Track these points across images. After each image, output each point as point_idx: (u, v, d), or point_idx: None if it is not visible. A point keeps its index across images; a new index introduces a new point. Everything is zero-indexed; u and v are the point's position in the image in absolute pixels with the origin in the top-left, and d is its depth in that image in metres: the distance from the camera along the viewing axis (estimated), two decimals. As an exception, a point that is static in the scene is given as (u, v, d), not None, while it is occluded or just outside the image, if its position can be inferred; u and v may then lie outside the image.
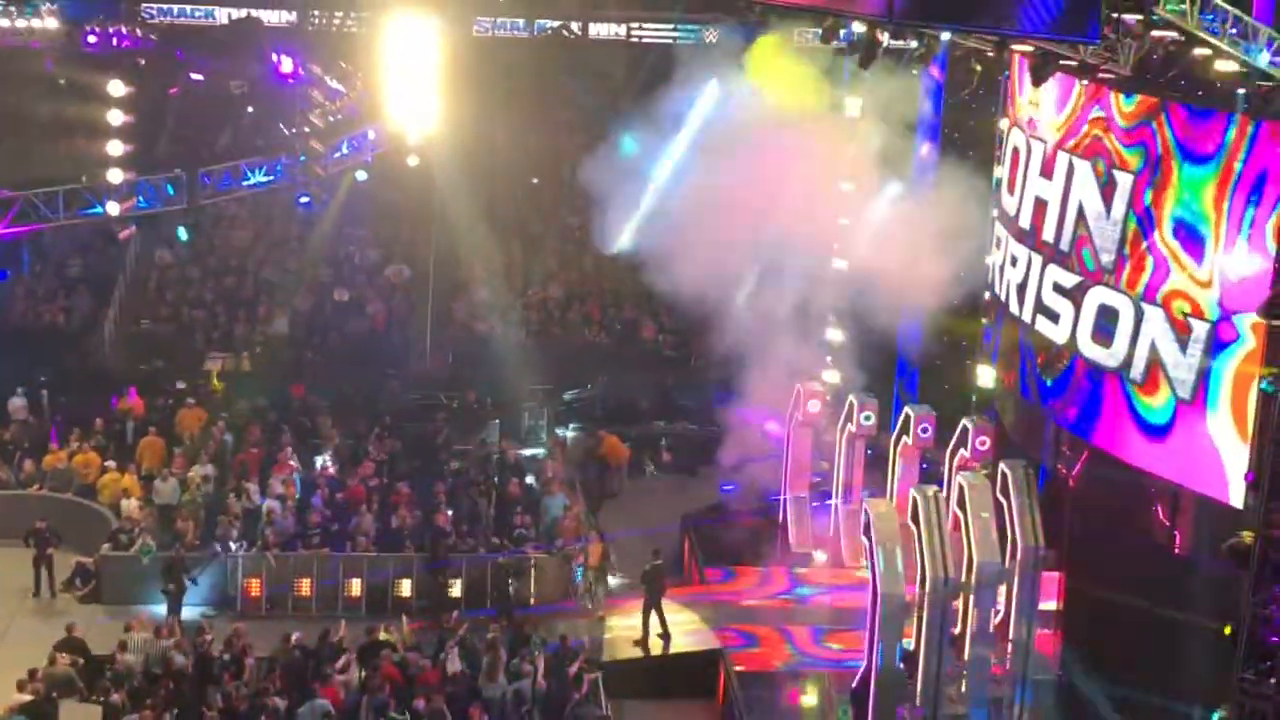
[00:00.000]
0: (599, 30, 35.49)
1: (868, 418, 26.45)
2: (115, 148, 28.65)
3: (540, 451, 30.69)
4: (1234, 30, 17.84)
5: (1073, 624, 23.14)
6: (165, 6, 34.43)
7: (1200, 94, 19.54)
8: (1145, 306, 20.41)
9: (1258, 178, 18.68)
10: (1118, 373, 20.99)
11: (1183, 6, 17.66)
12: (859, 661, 21.63)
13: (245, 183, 29.47)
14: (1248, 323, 18.95)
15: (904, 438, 25.60)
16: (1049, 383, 22.78)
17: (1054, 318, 22.28)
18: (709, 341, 29.09)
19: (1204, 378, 19.65)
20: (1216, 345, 19.46)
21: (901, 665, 21.18)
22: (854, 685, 21.67)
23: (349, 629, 22.98)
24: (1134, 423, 20.82)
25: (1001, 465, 22.32)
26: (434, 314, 34.01)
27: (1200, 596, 20.27)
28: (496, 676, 21.82)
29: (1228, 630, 17.43)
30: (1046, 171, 22.54)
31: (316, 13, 33.50)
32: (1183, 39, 18.31)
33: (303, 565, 25.55)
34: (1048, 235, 22.40)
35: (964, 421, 24.55)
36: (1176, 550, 22.10)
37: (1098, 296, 21.31)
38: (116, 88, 29.28)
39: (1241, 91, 18.76)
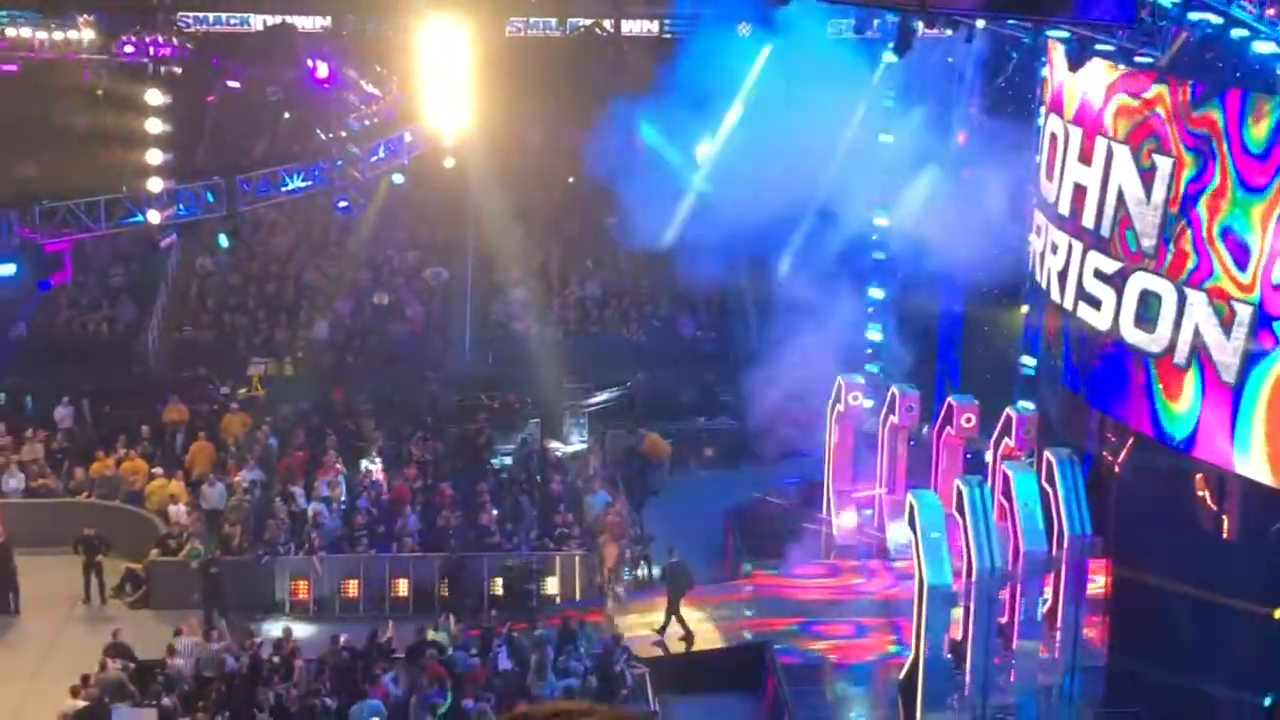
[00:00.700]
0: (631, 27, 35.47)
1: (910, 409, 26.38)
2: (154, 156, 28.80)
3: (581, 449, 30.75)
4: (1271, 11, 17.74)
5: (1120, 611, 23.04)
6: (200, 15, 34.58)
7: (1239, 75, 19.42)
8: (1188, 290, 20.30)
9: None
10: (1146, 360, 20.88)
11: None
12: (906, 652, 21.59)
13: (284, 188, 29.56)
14: None
15: (947, 428, 25.52)
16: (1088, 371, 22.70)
17: (1096, 304, 22.18)
18: (747, 334, 29.17)
19: (1248, 363, 19.53)
20: (1257, 347, 19.31)
21: (949, 655, 21.14)
22: (901, 676, 21.64)
23: (397, 629, 23.08)
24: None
25: (1046, 453, 22.25)
26: (473, 315, 34.09)
27: (1248, 581, 20.16)
28: (545, 674, 21.88)
29: (1277, 614, 17.33)
30: (1085, 158, 22.43)
31: (351, 17, 33.59)
32: (1221, 20, 18.21)
33: (349, 567, 25.69)
34: (1087, 221, 22.31)
35: (1007, 410, 24.46)
36: (1224, 535, 21.98)
37: (1140, 282, 21.21)
38: (154, 97, 29.45)
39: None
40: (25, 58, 32.91)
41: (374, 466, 28.46)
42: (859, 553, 26.93)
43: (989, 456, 24.46)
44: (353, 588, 25.61)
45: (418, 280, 36.13)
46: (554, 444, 30.16)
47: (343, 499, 27.08)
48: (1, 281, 25.98)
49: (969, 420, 25.22)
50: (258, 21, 34.64)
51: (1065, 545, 21.47)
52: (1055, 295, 23.51)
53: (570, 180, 38.46)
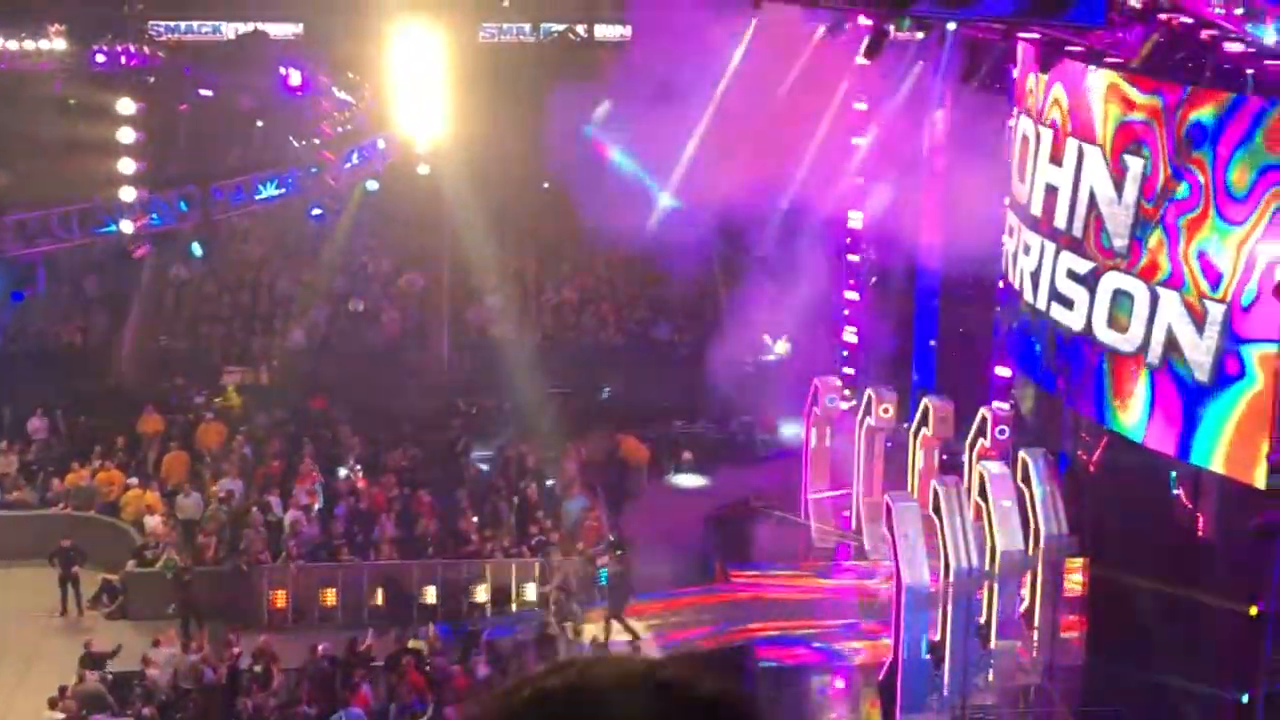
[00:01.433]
0: (605, 32, 35.51)
1: (886, 410, 26.44)
2: (127, 166, 28.76)
3: (559, 454, 30.71)
4: (1241, 10, 17.83)
5: (1097, 609, 23.12)
6: (172, 24, 34.55)
7: (1208, 75, 19.52)
8: (1161, 290, 20.39)
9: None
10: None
11: (1188, -11, 17.67)
12: (886, 654, 21.63)
13: (258, 196, 29.57)
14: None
15: (923, 429, 25.60)
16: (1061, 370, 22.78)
17: (1069, 304, 22.25)
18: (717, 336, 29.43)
19: (1221, 359, 19.64)
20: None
21: (928, 656, 21.19)
22: (881, 678, 21.68)
23: (376, 638, 23.04)
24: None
25: (1022, 453, 22.32)
26: (449, 321, 34.07)
27: (1224, 579, 20.24)
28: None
29: (1254, 612, 17.41)
30: (1056, 158, 22.51)
31: (323, 23, 33.60)
32: (1191, 21, 18.30)
33: (327, 576, 25.63)
34: (1059, 222, 22.37)
35: (982, 411, 24.54)
36: (1200, 533, 22.07)
37: (1112, 282, 21.28)
38: (126, 106, 29.39)
39: (1250, 72, 18.77)
40: (-4, 68, 32.84)
41: (352, 474, 28.41)
42: (837, 555, 26.99)
43: (965, 457, 24.54)
44: (331, 596, 25.55)
45: (394, 287, 36.08)
46: (532, 449, 30.01)
47: (319, 507, 27.01)
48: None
49: (944, 421, 25.31)
50: (230, 30, 34.64)
51: (1042, 545, 21.54)
52: (1028, 296, 23.58)
53: (545, 185, 38.48)
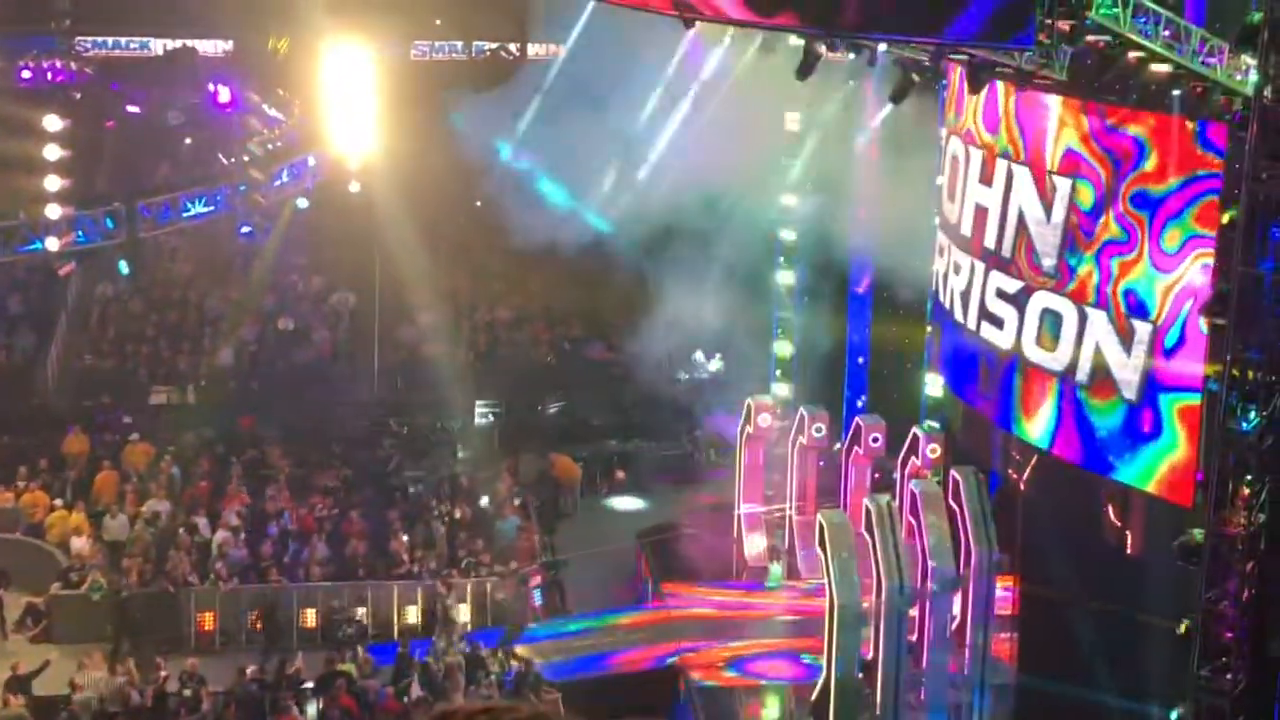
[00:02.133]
0: (537, 50, 35.45)
1: (819, 429, 26.51)
2: (53, 183, 28.43)
3: (492, 474, 30.56)
4: (1166, 33, 18.01)
5: (1028, 627, 23.24)
6: (100, 39, 34.18)
7: (1135, 97, 19.74)
8: (1089, 310, 20.58)
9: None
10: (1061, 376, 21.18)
11: (1116, 10, 17.80)
12: (818, 672, 21.64)
13: (185, 214, 29.27)
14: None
15: (855, 448, 25.69)
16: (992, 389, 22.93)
17: (998, 323, 22.40)
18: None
19: (1149, 380, 19.84)
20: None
21: (860, 675, 21.21)
22: (813, 697, 21.68)
23: (306, 660, 22.80)
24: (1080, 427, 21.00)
25: (952, 472, 22.43)
26: (381, 340, 33.85)
27: (1154, 596, 20.38)
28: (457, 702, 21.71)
29: (1183, 628, 17.53)
30: (986, 179, 22.68)
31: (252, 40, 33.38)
32: (1116, 42, 18.46)
33: (255, 598, 25.34)
34: (989, 242, 22.53)
35: (914, 430, 24.67)
36: (1129, 550, 22.23)
37: (1041, 301, 21.46)
38: (52, 122, 29.08)
39: (1176, 93, 18.99)
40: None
41: (281, 495, 28.12)
42: (770, 573, 27.01)
43: (897, 475, 24.63)
44: (258, 619, 25.25)
45: (324, 305, 35.80)
46: (464, 469, 29.86)
47: (248, 528, 26.71)
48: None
49: (876, 439, 25.42)
50: (158, 45, 34.31)
51: (973, 563, 21.64)
52: (958, 315, 23.73)
53: (478, 204, 38.34)
